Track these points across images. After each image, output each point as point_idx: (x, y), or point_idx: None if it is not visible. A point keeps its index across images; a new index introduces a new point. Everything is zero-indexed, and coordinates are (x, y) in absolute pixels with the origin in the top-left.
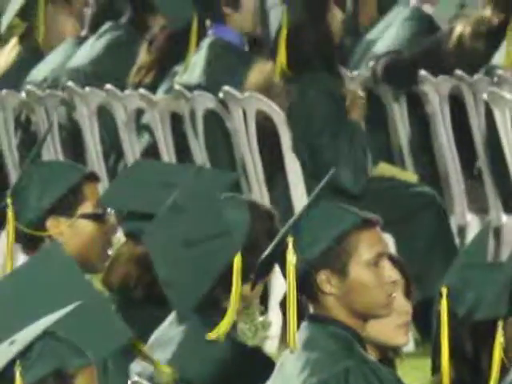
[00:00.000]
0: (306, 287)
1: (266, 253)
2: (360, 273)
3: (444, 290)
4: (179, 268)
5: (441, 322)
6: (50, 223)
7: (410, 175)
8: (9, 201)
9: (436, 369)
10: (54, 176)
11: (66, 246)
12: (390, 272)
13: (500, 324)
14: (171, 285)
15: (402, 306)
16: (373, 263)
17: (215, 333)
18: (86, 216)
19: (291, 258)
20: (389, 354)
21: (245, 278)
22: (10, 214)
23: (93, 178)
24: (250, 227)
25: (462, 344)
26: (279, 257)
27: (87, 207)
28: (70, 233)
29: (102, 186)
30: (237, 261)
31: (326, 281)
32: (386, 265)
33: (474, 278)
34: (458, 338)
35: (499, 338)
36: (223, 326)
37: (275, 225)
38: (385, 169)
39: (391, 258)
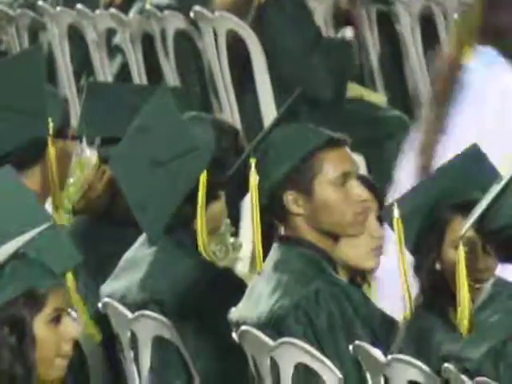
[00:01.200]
0: (275, 208)
1: (230, 172)
2: (325, 192)
3: (396, 210)
4: (147, 189)
5: (397, 241)
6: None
7: (379, 97)
8: (50, 125)
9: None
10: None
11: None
12: (358, 191)
13: (460, 244)
14: (140, 207)
15: (375, 229)
16: (339, 182)
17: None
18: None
19: (254, 179)
20: (357, 279)
21: (212, 196)
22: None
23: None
24: (214, 145)
25: (420, 266)
26: (244, 178)
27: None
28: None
29: (73, 106)
30: (202, 177)
31: (292, 201)
32: (354, 184)
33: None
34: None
35: (462, 256)
36: (202, 248)
37: (240, 141)
38: (354, 89)
39: (363, 180)
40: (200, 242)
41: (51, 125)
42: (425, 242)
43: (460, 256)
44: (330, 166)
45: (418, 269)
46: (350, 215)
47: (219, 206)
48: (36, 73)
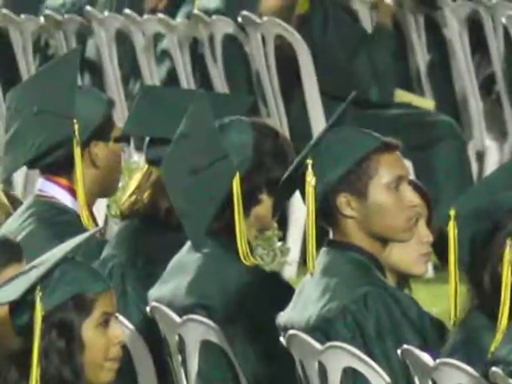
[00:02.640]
0: (326, 211)
1: (285, 175)
2: (380, 195)
3: (452, 213)
4: (187, 196)
5: (450, 244)
6: (92, 147)
7: (427, 102)
8: (76, 126)
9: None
10: (95, 102)
11: (99, 168)
12: (410, 196)
13: (508, 242)
14: (183, 213)
15: (424, 235)
16: (393, 186)
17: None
18: (116, 139)
19: (310, 180)
20: (407, 282)
21: (254, 200)
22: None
23: (114, 104)
24: (254, 148)
25: (479, 270)
26: (299, 180)
27: (116, 131)
28: (105, 156)
29: (122, 111)
30: (236, 183)
31: (345, 203)
32: (407, 189)
33: (486, 205)
34: (473, 262)
35: (507, 256)
36: (241, 254)
37: (281, 144)
38: (402, 95)
39: (413, 184)
40: (240, 248)
41: (76, 127)
42: (485, 244)
43: (506, 256)
44: (384, 170)
45: (475, 270)
46: (403, 220)
47: (263, 209)
48: (70, 75)
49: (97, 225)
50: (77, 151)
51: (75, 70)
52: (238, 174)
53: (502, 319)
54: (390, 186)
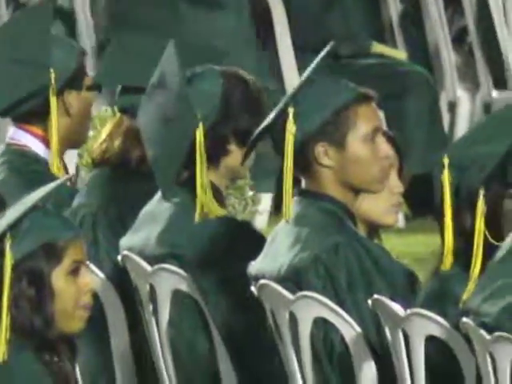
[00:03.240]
0: (301, 160)
1: (265, 124)
2: (357, 146)
3: (446, 161)
4: (158, 145)
5: (443, 192)
6: (66, 96)
7: (399, 53)
8: (52, 75)
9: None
10: (68, 51)
11: (71, 117)
12: (385, 148)
13: (481, 192)
14: (154, 162)
15: (395, 186)
16: (370, 138)
17: (200, 213)
18: (89, 88)
19: (291, 128)
20: (377, 233)
21: (222, 150)
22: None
23: (85, 52)
24: (222, 98)
25: (461, 218)
26: (273, 129)
27: (88, 80)
28: (77, 105)
29: (93, 59)
30: (199, 133)
31: (323, 153)
32: (382, 140)
33: (480, 153)
34: (457, 211)
35: (480, 207)
36: (199, 205)
37: (252, 93)
38: (375, 47)
39: (385, 134)
40: (198, 199)
41: (53, 75)
42: (466, 195)
43: (479, 205)
44: (362, 121)
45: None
46: (377, 171)
47: (233, 159)
48: (45, 23)
49: (68, 174)
50: (53, 100)
51: (49, 18)
52: (201, 124)
53: (474, 269)
54: (367, 138)
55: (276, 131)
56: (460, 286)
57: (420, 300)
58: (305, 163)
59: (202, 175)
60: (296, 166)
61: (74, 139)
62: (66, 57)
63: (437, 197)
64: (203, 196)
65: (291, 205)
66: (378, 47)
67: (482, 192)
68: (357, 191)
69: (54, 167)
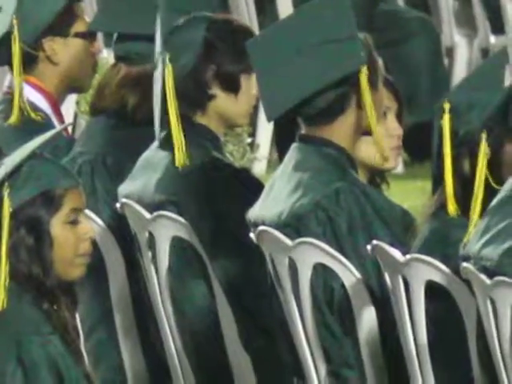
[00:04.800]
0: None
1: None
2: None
3: (446, 106)
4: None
5: (443, 137)
6: (46, 44)
7: None
8: (14, 22)
9: (436, 187)
10: None
11: (60, 65)
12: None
13: (483, 135)
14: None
15: (394, 129)
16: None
17: (178, 160)
18: (79, 35)
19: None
20: (376, 179)
21: (205, 95)
22: (15, 34)
23: None
24: (202, 44)
25: (460, 163)
26: None
27: (79, 26)
28: (65, 52)
29: (90, 6)
30: (168, 76)
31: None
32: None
33: (480, 98)
34: (456, 157)
35: (482, 148)
36: (176, 151)
37: (236, 37)
38: None
39: (386, 81)
40: (176, 150)
41: (15, 22)
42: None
43: (482, 148)
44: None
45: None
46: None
47: (219, 104)
48: None
49: (63, 122)
50: (14, 47)
51: None
52: (169, 67)
53: (474, 211)
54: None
55: None
56: (459, 230)
57: (418, 244)
58: None
59: (175, 121)
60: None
61: (70, 86)
62: (40, 3)
63: (436, 142)
64: (178, 142)
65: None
66: None
67: (484, 136)
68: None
69: (14, 117)
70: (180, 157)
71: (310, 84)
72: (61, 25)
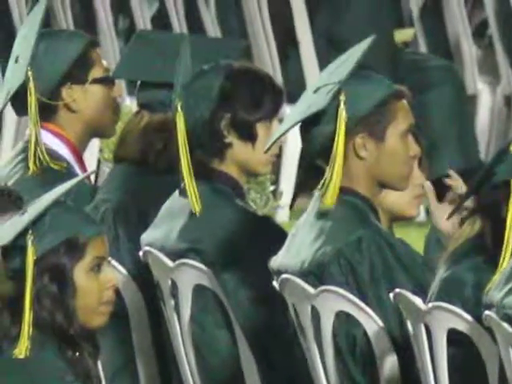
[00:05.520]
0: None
1: (313, 110)
2: (395, 140)
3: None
4: None
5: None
6: (64, 92)
7: (407, 32)
8: (29, 73)
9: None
10: (64, 45)
11: (80, 112)
12: (414, 146)
13: None
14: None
15: (417, 178)
16: (406, 134)
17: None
18: (97, 81)
19: (343, 114)
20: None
21: (221, 143)
22: (30, 85)
23: (95, 43)
24: (219, 92)
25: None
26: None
27: (97, 72)
28: (84, 99)
29: (113, 52)
30: (179, 122)
31: (361, 144)
32: (411, 139)
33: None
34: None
35: None
36: (190, 200)
37: (255, 85)
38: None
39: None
40: (188, 192)
41: (30, 73)
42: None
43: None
44: (401, 116)
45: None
46: (408, 170)
47: (237, 152)
48: (35, 20)
49: (85, 170)
50: (30, 99)
51: (38, 16)
52: (180, 114)
53: (504, 258)
54: (404, 133)
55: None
56: (477, 276)
57: (436, 289)
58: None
59: (187, 166)
60: (326, 159)
61: (95, 132)
62: (58, 52)
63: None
64: (189, 185)
65: (335, 192)
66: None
67: None
68: (382, 186)
69: (31, 168)
70: (194, 204)
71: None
72: (78, 72)
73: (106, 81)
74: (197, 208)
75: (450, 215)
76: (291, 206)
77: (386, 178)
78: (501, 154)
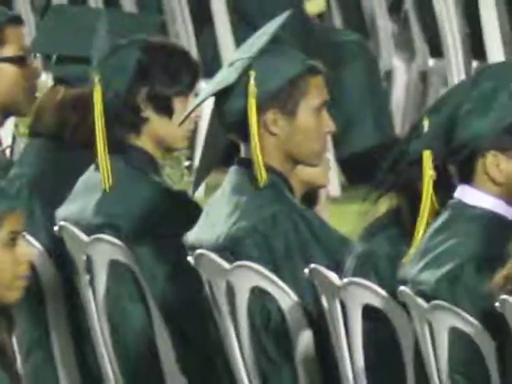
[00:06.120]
0: (245, 127)
1: (223, 85)
2: (307, 116)
3: (426, 154)
4: None
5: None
6: None
7: (318, 1)
8: None
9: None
10: None
11: None
12: (329, 122)
13: (430, 156)
14: None
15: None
16: (318, 110)
17: (104, 184)
18: (7, 59)
19: (253, 90)
20: (311, 201)
21: (138, 118)
22: None
23: (17, 21)
24: (137, 67)
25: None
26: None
27: (9, 50)
28: None
29: (29, 29)
30: (96, 97)
31: (272, 120)
32: (326, 114)
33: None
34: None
35: (428, 172)
36: (102, 175)
37: (171, 60)
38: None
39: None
40: (101, 168)
41: None
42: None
43: (427, 170)
44: (314, 92)
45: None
46: (321, 145)
47: (154, 127)
48: None
49: (1, 145)
50: None
51: None
52: (97, 88)
53: (417, 233)
54: (317, 109)
55: (232, 95)
56: (392, 248)
57: (352, 265)
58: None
59: (102, 139)
60: (239, 132)
61: (10, 109)
62: None
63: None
64: (103, 164)
65: (263, 169)
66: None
67: (430, 157)
68: (296, 162)
69: None
70: (105, 180)
71: None
72: None
73: (16, 60)
74: (107, 184)
75: (377, 198)
76: (197, 182)
77: (298, 153)
78: (413, 130)
